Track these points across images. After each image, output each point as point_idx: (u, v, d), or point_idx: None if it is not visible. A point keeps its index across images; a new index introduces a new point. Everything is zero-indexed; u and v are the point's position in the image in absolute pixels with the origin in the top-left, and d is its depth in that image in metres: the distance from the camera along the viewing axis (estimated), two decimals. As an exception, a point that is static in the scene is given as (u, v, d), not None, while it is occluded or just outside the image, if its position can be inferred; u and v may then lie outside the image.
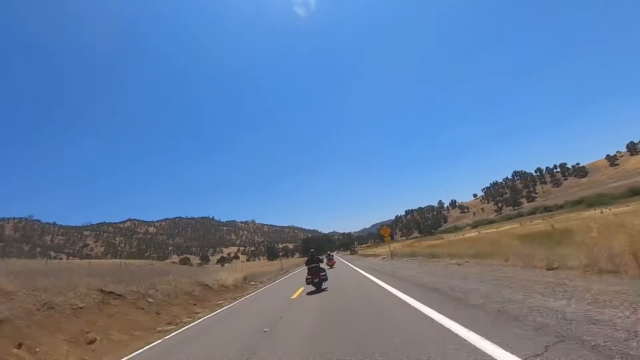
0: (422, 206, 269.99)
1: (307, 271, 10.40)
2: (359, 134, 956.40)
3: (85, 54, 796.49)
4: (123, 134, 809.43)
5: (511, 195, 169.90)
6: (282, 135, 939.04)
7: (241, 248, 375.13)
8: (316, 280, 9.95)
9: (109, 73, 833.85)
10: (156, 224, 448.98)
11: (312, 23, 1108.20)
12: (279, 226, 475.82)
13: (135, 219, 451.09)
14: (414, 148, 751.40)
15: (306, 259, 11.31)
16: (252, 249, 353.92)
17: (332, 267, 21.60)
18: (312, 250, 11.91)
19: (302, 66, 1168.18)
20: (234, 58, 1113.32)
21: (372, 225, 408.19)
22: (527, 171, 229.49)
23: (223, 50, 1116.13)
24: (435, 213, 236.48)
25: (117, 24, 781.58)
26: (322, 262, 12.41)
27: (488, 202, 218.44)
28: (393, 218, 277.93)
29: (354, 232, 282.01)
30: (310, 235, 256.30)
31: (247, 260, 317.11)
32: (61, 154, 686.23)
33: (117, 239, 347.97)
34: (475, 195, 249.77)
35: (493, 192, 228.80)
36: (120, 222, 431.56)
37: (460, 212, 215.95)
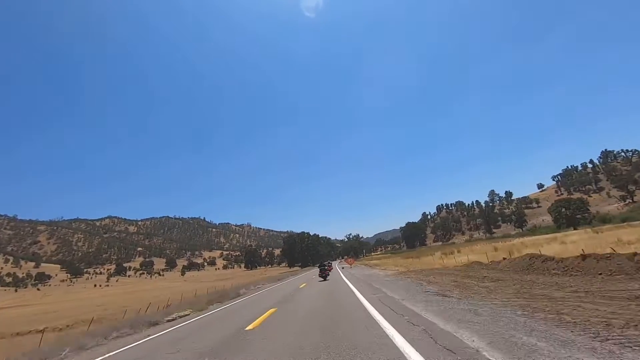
0: (450, 202, 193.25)
1: (319, 271, 22.66)
2: (361, 135, 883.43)
3: (82, 51, 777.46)
4: (122, 133, 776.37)
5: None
6: (291, 140, 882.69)
7: (225, 253, 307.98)
8: (324, 275, 21.48)
9: (108, 71, 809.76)
10: (139, 222, 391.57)
11: (323, 29, 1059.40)
12: (276, 231, 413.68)
13: (115, 217, 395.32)
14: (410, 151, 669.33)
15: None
16: (237, 254, 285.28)
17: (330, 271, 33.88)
18: (322, 260, 35.74)
19: (306, 73, 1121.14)
20: (236, 59, 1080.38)
21: (392, 229, 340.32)
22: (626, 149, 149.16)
23: (225, 50, 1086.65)
24: (482, 208, 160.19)
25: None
26: (326, 266, 23.58)
27: (571, 193, 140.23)
28: (417, 220, 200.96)
29: (364, 237, 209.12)
30: (288, 235, 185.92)
31: (224, 267, 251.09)
32: (43, 146, 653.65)
33: (75, 236, 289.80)
34: (540, 186, 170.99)
35: (575, 181, 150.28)
36: (97, 219, 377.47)
37: (525, 207, 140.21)
